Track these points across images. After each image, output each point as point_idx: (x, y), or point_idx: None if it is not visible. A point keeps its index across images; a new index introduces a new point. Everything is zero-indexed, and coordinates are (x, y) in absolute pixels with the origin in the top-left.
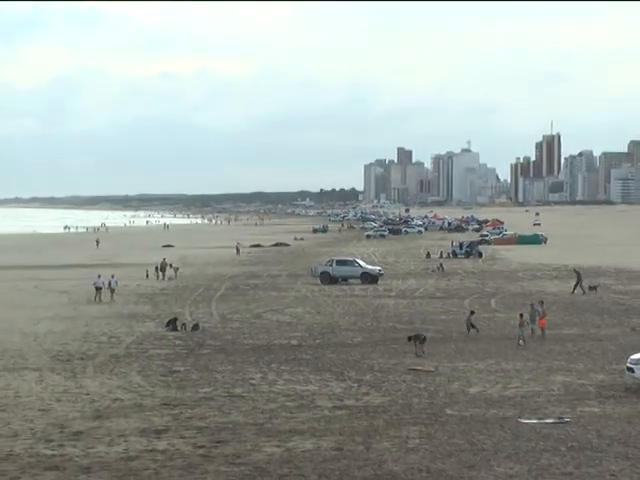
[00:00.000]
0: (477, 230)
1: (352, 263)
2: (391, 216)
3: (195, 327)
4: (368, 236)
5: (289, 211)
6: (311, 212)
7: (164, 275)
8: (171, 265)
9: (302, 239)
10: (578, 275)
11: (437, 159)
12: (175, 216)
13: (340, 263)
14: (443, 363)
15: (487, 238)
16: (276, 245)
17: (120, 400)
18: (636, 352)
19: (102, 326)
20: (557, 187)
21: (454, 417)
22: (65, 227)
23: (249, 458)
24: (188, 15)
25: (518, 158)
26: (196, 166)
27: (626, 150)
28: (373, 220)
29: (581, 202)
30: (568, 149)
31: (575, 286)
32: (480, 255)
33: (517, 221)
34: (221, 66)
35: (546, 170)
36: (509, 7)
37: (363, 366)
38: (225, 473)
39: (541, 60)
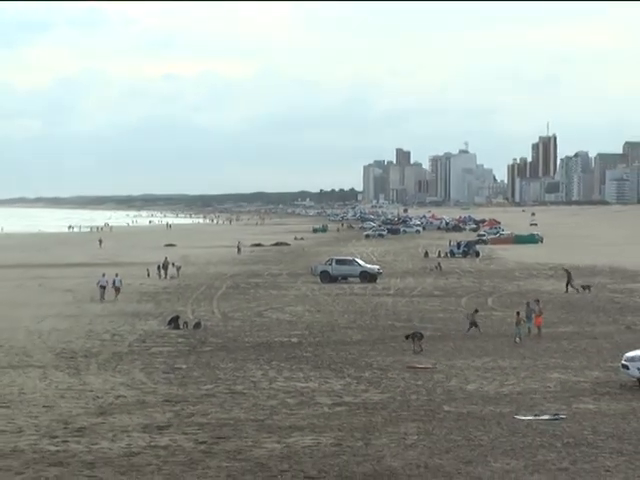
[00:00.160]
0: (474, 230)
1: (351, 262)
2: (390, 216)
3: (197, 325)
4: (367, 236)
5: (289, 211)
6: (311, 212)
7: (166, 274)
8: (173, 264)
9: (302, 239)
10: (568, 274)
11: (435, 160)
12: (177, 216)
13: (339, 262)
14: (441, 360)
15: (484, 238)
16: (276, 244)
17: (123, 397)
18: (631, 350)
19: (105, 324)
20: (553, 187)
21: (452, 414)
22: (69, 227)
23: (250, 454)
24: (189, 17)
25: (515, 159)
26: (198, 166)
27: (621, 151)
28: (372, 220)
29: (577, 202)
30: (564, 150)
31: (567, 285)
32: (477, 254)
33: (514, 221)
34: (222, 67)
35: (542, 171)
36: (508, 9)
37: (362, 363)
38: (226, 469)
39: (538, 62)
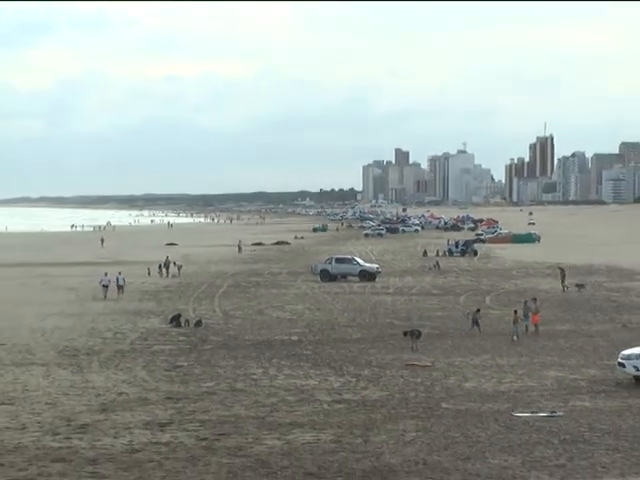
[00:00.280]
0: (472, 229)
1: (351, 261)
2: (389, 215)
3: (198, 323)
4: (366, 235)
5: (290, 210)
6: (311, 212)
7: (168, 272)
8: (174, 263)
9: (302, 238)
10: (562, 272)
11: (433, 160)
12: (179, 215)
13: (339, 261)
14: (439, 358)
15: (482, 237)
16: (277, 244)
17: (125, 394)
18: (627, 348)
19: (107, 322)
20: (550, 187)
21: (450, 411)
22: (72, 226)
23: (251, 450)
24: (189, 18)
25: (512, 159)
26: (199, 166)
27: (617, 151)
28: (371, 219)
29: (573, 202)
30: (561, 150)
31: (562, 283)
32: (475, 253)
33: (511, 220)
34: (222, 68)
35: (539, 171)
36: (506, 11)
37: (361, 361)
38: (227, 465)
39: (534, 64)
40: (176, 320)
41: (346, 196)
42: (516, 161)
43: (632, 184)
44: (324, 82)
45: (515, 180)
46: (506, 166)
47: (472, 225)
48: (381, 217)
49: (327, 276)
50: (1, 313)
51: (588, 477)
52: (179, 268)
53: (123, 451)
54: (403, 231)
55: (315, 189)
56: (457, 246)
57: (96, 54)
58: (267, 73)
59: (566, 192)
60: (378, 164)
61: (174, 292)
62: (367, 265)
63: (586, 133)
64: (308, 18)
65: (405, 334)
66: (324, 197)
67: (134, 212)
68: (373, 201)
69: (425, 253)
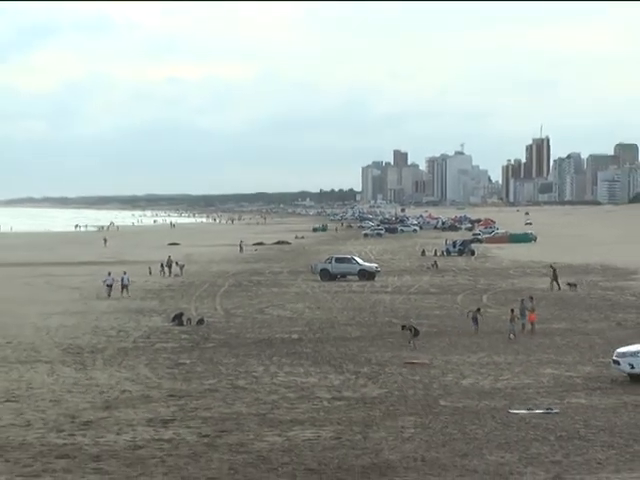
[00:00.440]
0: (470, 229)
1: (350, 260)
2: (387, 215)
3: (200, 322)
4: (365, 235)
5: (290, 211)
6: (311, 212)
7: (170, 272)
8: (177, 263)
9: (302, 237)
10: (554, 271)
11: (432, 161)
12: (181, 215)
13: (339, 260)
14: (437, 356)
15: (479, 237)
16: (278, 243)
17: (128, 391)
18: (622, 346)
19: (111, 321)
20: (546, 188)
21: (448, 408)
22: (76, 226)
23: (252, 447)
24: (191, 21)
25: (509, 160)
26: (200, 167)
27: (612, 153)
28: (370, 219)
29: (569, 202)
30: (557, 152)
31: (556, 282)
32: (472, 253)
33: (508, 220)
34: (223, 70)
35: (536, 172)
36: (504, 12)
37: (361, 359)
38: (229, 461)
39: (531, 66)
40: (178, 318)
41: (345, 196)
42: (513, 162)
43: (627, 185)
44: (324, 84)
45: (512, 181)
46: (503, 167)
47: (469, 225)
48: (380, 217)
49: (327, 275)
50: (6, 312)
51: (584, 473)
52: (181, 267)
53: (126, 447)
54: (402, 231)
55: (315, 190)
56: (455, 246)
57: (99, 57)
58: (267, 75)
59: (562, 193)
60: (377, 165)
61: (176, 291)
62: (366, 264)
63: (582, 134)
64: (308, 21)
65: (403, 327)
66: (324, 197)
67: (137, 212)
68: (372, 201)
69: (423, 253)
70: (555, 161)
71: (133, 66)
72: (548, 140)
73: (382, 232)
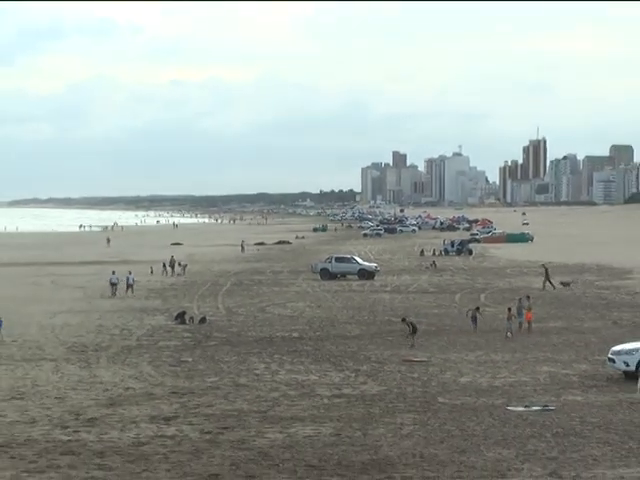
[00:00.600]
0: (467, 229)
1: (350, 260)
2: (387, 216)
3: (202, 320)
4: (365, 235)
5: (291, 211)
6: (311, 212)
7: (173, 271)
8: (179, 263)
9: (303, 237)
10: (546, 270)
11: (430, 162)
12: (183, 216)
13: (339, 260)
14: (436, 354)
15: (477, 237)
16: (279, 243)
17: (132, 389)
18: (617, 344)
19: (115, 319)
20: (543, 189)
21: (446, 405)
22: (80, 226)
23: (253, 443)
24: (193, 25)
25: (506, 161)
26: (202, 168)
27: (608, 154)
28: (370, 220)
29: (565, 203)
30: (553, 153)
31: (549, 281)
32: (470, 253)
33: (505, 221)
34: (225, 73)
35: (532, 173)
36: (503, 14)
37: (360, 357)
38: (230, 457)
39: (529, 68)
40: (181, 317)
41: (345, 197)
42: (510, 163)
43: (622, 185)
44: (324, 85)
45: (509, 182)
46: (500, 168)
47: (467, 225)
48: (379, 217)
49: (327, 275)
50: (12, 310)
51: (580, 469)
52: (184, 267)
53: (130, 444)
54: (401, 231)
55: (315, 190)
56: (453, 245)
57: (104, 60)
58: (268, 77)
59: (558, 193)
60: (376, 166)
61: (179, 290)
62: (366, 264)
63: (577, 136)
64: (308, 22)
65: (403, 320)
66: (324, 198)
67: (140, 213)
68: (372, 202)
69: (422, 252)
70: (551, 162)
71: (137, 69)
72: (545, 142)
73: (381, 232)
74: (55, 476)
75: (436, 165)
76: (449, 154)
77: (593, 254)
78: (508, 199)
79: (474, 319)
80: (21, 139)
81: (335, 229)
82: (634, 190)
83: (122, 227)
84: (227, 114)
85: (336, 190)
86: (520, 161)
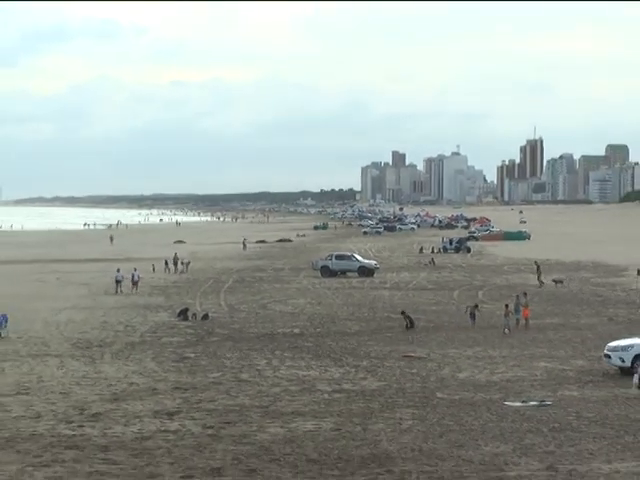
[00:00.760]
0: (466, 227)
1: (350, 257)
2: (386, 214)
3: (205, 317)
4: (365, 233)
5: (292, 210)
6: (312, 211)
7: (176, 269)
8: (182, 262)
9: (304, 235)
10: (537, 267)
11: (429, 162)
12: (186, 214)
13: (339, 257)
14: (434, 350)
15: (475, 235)
16: (280, 241)
17: (135, 384)
18: (613, 340)
19: (119, 316)
20: (540, 188)
21: (444, 400)
22: (85, 224)
23: (255, 438)
24: (195, 27)
25: (504, 161)
26: (205, 167)
27: (604, 153)
28: (369, 218)
29: (562, 201)
30: (550, 152)
31: (539, 278)
32: (468, 250)
33: (503, 219)
34: (226, 74)
35: (529, 172)
36: (503, 14)
37: (360, 353)
38: (232, 452)
39: (529, 68)
40: (184, 314)
41: (345, 196)
42: (507, 162)
43: (617, 184)
44: (324, 86)
45: (506, 181)
46: (498, 167)
47: (465, 223)
48: (379, 216)
49: (327, 272)
50: (17, 307)
51: (576, 463)
52: (187, 264)
53: (133, 439)
54: (400, 229)
55: (316, 189)
56: (451, 243)
57: (106, 61)
58: (268, 77)
59: (555, 192)
60: (376, 165)
61: (182, 287)
62: (366, 261)
63: (577, 136)
64: (308, 23)
65: (402, 313)
66: (324, 197)
67: (144, 211)
68: (371, 201)
69: (421, 250)
70: (548, 161)
71: (139, 70)
72: (542, 141)
73: (381, 230)
74: (60, 470)
75: (435, 164)
76: (448, 153)
77: (589, 252)
78: (506, 198)
79: (472, 315)
80: (24, 139)
81: (335, 227)
82: (629, 189)
83: (126, 225)
84: (227, 114)
85: (336, 189)
86: (517, 160)
